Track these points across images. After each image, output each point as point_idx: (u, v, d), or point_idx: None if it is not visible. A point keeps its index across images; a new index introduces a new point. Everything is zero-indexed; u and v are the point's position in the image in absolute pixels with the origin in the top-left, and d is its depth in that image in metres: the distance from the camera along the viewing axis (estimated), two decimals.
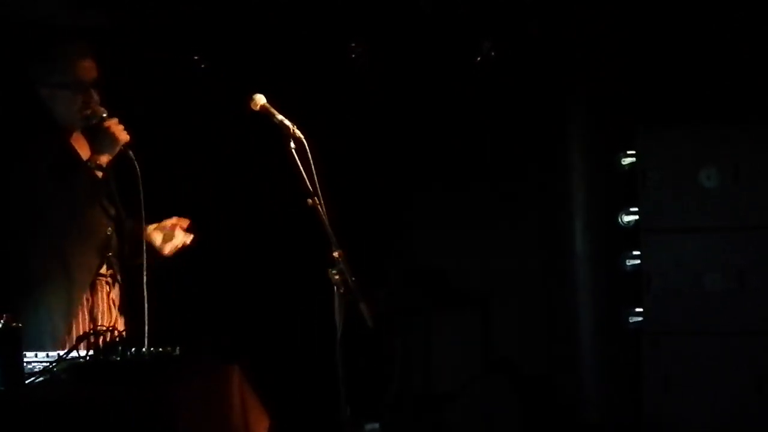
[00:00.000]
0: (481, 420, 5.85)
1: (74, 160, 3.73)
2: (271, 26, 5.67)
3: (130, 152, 3.73)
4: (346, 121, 5.90)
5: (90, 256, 3.75)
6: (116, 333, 3.07)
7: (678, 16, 5.57)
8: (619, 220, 5.40)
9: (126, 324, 3.77)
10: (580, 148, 5.80)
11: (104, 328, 3.14)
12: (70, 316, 3.68)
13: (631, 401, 5.42)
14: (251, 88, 3.72)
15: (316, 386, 5.34)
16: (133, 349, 3.00)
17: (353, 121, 5.95)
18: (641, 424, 5.31)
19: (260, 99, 3.68)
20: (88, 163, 3.69)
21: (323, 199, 3.56)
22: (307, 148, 3.57)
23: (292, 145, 3.58)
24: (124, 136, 3.72)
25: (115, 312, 3.82)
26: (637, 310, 5.33)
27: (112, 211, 3.83)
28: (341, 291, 3.52)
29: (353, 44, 5.77)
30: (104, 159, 3.70)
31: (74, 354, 3.05)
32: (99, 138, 3.74)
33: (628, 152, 5.36)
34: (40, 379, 2.97)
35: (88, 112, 3.75)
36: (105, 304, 3.79)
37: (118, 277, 3.84)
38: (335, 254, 3.53)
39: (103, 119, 3.73)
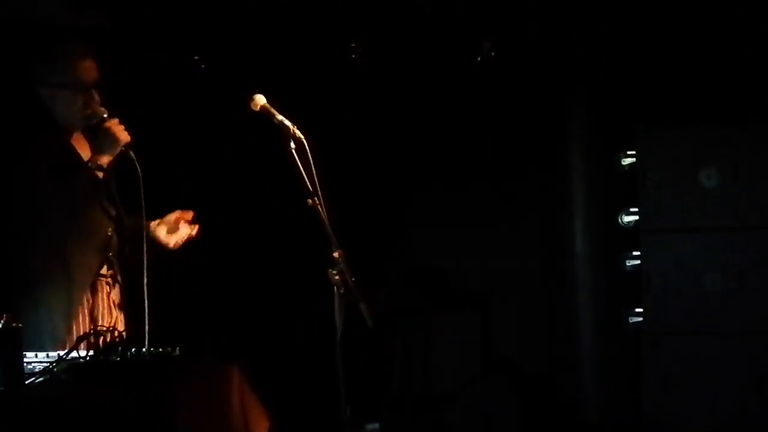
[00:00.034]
0: (481, 420, 5.85)
1: (74, 161, 3.74)
2: (271, 26, 5.67)
3: (131, 153, 3.73)
4: (346, 121, 5.90)
5: (90, 257, 3.75)
6: (116, 333, 3.07)
7: (678, 16, 5.57)
8: (619, 220, 5.40)
9: (126, 324, 3.77)
10: (580, 148, 5.80)
11: (104, 329, 3.14)
12: (70, 317, 3.68)
13: (631, 401, 5.42)
14: (251, 88, 3.72)
15: (316, 386, 5.34)
16: (133, 350, 3.00)
17: (353, 121, 5.95)
18: (641, 424, 5.31)
19: (260, 99, 3.68)
20: (89, 164, 3.69)
21: (323, 199, 3.56)
22: (307, 148, 3.57)
23: (292, 145, 3.58)
24: (124, 137, 3.72)
25: (115, 312, 3.82)
26: (637, 310, 5.33)
27: (113, 212, 3.83)
28: (341, 291, 3.52)
29: (353, 44, 5.77)
30: (105, 159, 3.70)
31: (74, 354, 3.05)
32: (100, 138, 3.74)
33: (628, 152, 5.36)
34: (40, 379, 2.98)
35: (89, 112, 3.75)
36: (105, 305, 3.79)
37: (119, 278, 3.84)
38: (335, 254, 3.53)
39: (104, 120, 3.73)
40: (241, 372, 3.32)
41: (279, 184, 4.08)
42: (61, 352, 3.09)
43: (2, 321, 2.88)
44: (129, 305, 3.82)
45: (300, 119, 3.65)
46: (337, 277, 3.52)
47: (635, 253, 5.34)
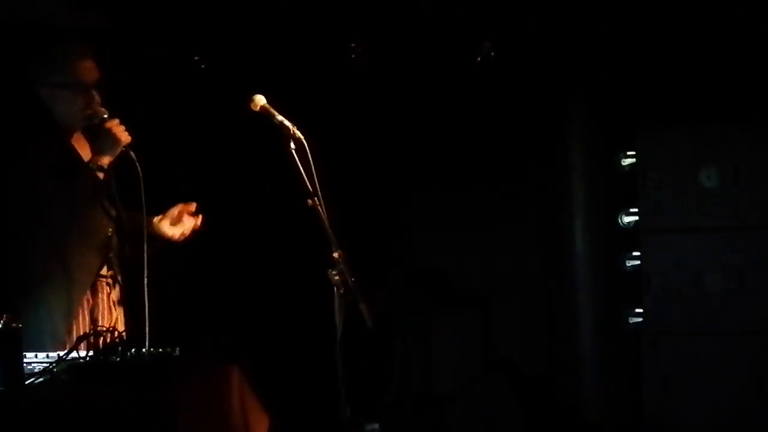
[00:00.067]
0: (481, 420, 5.85)
1: (75, 161, 3.74)
2: (271, 26, 5.67)
3: (131, 153, 3.73)
4: (346, 121, 5.90)
5: (90, 257, 3.75)
6: (116, 334, 3.08)
7: (678, 17, 5.57)
8: (619, 220, 5.40)
9: (126, 324, 3.77)
10: (580, 148, 5.80)
11: (104, 329, 3.14)
12: (70, 317, 3.68)
13: (631, 401, 5.42)
14: (251, 89, 3.72)
15: (316, 386, 5.34)
16: (133, 350, 3.00)
17: (353, 121, 5.95)
18: (641, 424, 5.31)
19: (260, 100, 3.68)
20: (90, 165, 3.69)
21: (323, 200, 3.56)
22: (307, 148, 3.57)
23: (292, 145, 3.58)
24: (125, 137, 3.72)
25: (115, 313, 3.82)
26: (637, 310, 5.33)
27: (113, 212, 3.83)
28: (341, 291, 3.52)
29: (353, 44, 5.77)
30: (105, 160, 3.70)
31: (74, 354, 3.05)
32: (100, 139, 3.74)
33: (628, 152, 5.36)
34: (40, 379, 2.98)
35: (89, 112, 3.75)
36: (105, 305, 3.79)
37: (119, 278, 3.84)
38: (335, 255, 3.53)
39: (105, 120, 3.73)
40: (241, 372, 3.32)
41: (279, 185, 4.08)
42: (61, 353, 3.09)
43: (2, 321, 2.88)
44: (129, 305, 3.82)
45: (300, 119, 3.65)
46: (336, 278, 3.52)
47: (635, 253, 5.34)
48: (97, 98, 3.78)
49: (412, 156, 6.06)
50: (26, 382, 2.93)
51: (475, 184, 6.07)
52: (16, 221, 3.67)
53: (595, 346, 5.72)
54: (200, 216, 3.96)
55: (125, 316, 3.84)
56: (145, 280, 3.64)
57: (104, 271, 3.79)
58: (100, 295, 3.78)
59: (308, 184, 3.54)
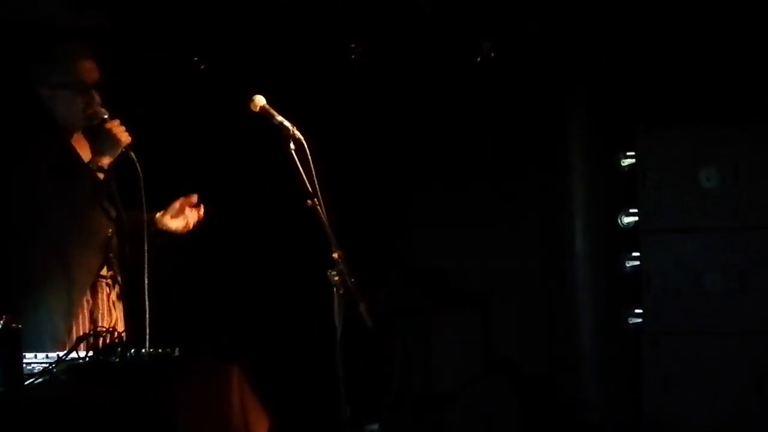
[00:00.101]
0: (481, 420, 5.85)
1: (75, 161, 3.74)
2: (271, 26, 5.67)
3: (132, 154, 3.73)
4: (346, 121, 5.90)
5: (90, 257, 3.75)
6: (116, 334, 3.08)
7: (678, 16, 5.57)
8: (619, 221, 5.40)
9: (126, 325, 3.77)
10: (580, 148, 5.80)
11: (104, 330, 3.14)
12: (70, 317, 3.68)
13: (631, 401, 5.42)
14: (251, 89, 3.72)
15: (316, 386, 5.34)
16: (132, 350, 3.00)
17: (353, 121, 5.95)
18: (641, 424, 5.31)
19: (260, 100, 3.68)
20: (90, 165, 3.69)
21: (323, 200, 3.56)
22: (306, 149, 3.57)
23: (292, 146, 3.58)
24: (125, 138, 3.72)
25: (115, 313, 3.82)
26: (637, 310, 5.33)
27: (113, 213, 3.83)
28: (341, 292, 3.52)
29: (353, 44, 5.77)
30: (106, 161, 3.70)
31: (74, 355, 3.05)
32: (100, 140, 3.74)
33: (628, 152, 5.36)
34: (40, 380, 2.98)
35: (90, 112, 3.75)
36: (105, 306, 3.79)
37: (119, 279, 3.84)
38: (335, 255, 3.53)
39: (105, 121, 3.73)
40: (241, 372, 3.32)
41: (279, 185, 4.08)
42: (61, 353, 3.09)
43: (2, 321, 2.88)
44: (129, 306, 3.82)
45: (300, 119, 3.65)
46: (336, 278, 3.52)
47: (635, 253, 5.34)
48: (98, 98, 3.78)
49: (412, 156, 6.06)
50: (26, 383, 2.93)
51: (475, 184, 6.07)
52: (16, 221, 3.67)
53: (595, 346, 5.72)
54: (202, 207, 3.96)
55: (125, 316, 3.84)
56: (146, 280, 3.64)
57: (104, 271, 3.79)
58: (99, 296, 3.78)
59: (308, 184, 3.54)
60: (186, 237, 3.96)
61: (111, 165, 3.73)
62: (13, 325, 2.89)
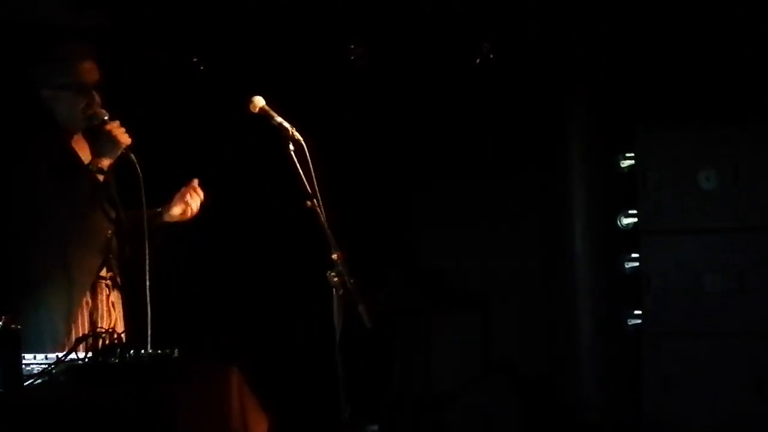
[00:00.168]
0: (481, 420, 5.85)
1: (75, 162, 3.74)
2: (271, 27, 5.67)
3: (132, 155, 3.73)
4: (346, 121, 5.90)
5: (90, 258, 3.75)
6: (115, 335, 3.08)
7: (678, 16, 5.57)
8: (618, 222, 5.40)
9: (125, 326, 3.77)
10: (580, 148, 5.80)
11: (103, 331, 3.14)
12: (70, 318, 3.68)
13: (631, 401, 5.42)
14: (250, 90, 3.72)
15: (316, 387, 5.34)
16: (132, 351, 3.00)
17: (353, 121, 5.95)
18: (641, 424, 5.31)
19: (259, 101, 3.68)
20: (90, 167, 3.69)
21: (322, 201, 3.56)
22: (306, 150, 3.57)
23: (291, 147, 3.58)
24: (125, 139, 3.71)
25: (114, 314, 3.82)
26: (637, 311, 5.33)
27: (113, 214, 3.83)
28: (340, 293, 3.52)
29: (353, 45, 5.77)
30: (106, 162, 3.70)
31: (73, 356, 3.05)
32: (101, 141, 3.73)
33: (628, 153, 5.36)
34: (39, 380, 2.98)
35: (90, 113, 3.75)
36: (105, 307, 3.79)
37: (119, 280, 3.84)
38: (334, 256, 3.53)
39: (105, 122, 3.72)
40: (241, 373, 3.32)
41: (278, 186, 4.08)
42: (60, 354, 3.09)
43: (2, 322, 2.89)
44: (129, 307, 3.82)
45: (299, 120, 3.65)
46: (336, 279, 3.52)
47: (635, 254, 5.34)
48: (98, 99, 3.78)
49: (411, 156, 6.06)
50: (25, 384, 2.93)
51: (475, 184, 6.07)
52: (16, 222, 3.67)
53: (595, 346, 5.72)
54: (201, 192, 3.95)
55: (124, 317, 3.84)
56: (147, 281, 3.64)
57: (104, 272, 3.79)
58: (99, 297, 3.78)
59: (307, 185, 3.54)
60: (189, 224, 3.95)
61: (111, 166, 3.73)
62: (13, 325, 2.89)
